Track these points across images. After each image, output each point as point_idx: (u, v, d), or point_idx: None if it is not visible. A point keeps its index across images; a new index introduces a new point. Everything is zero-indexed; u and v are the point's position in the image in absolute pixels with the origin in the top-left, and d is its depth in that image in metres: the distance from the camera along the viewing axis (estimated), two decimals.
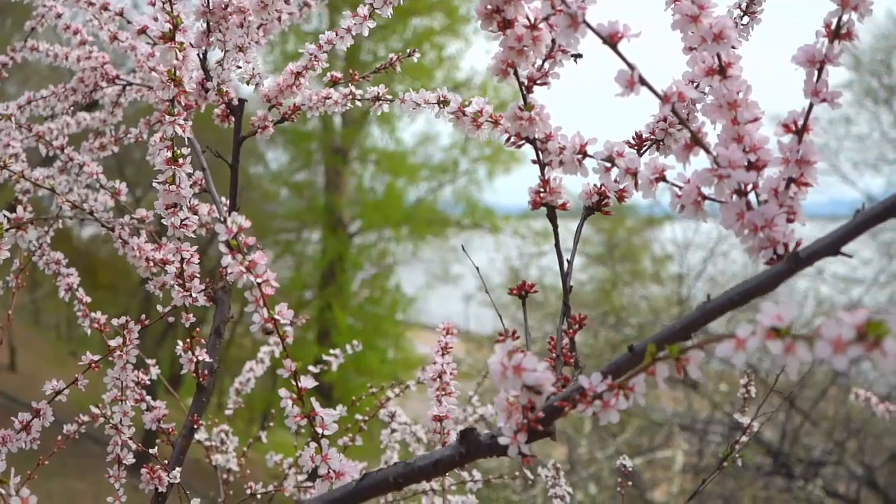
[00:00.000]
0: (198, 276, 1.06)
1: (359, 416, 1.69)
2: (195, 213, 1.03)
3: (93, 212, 1.35)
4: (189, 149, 1.03)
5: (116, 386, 1.10)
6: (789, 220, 0.64)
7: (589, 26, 0.65)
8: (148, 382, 1.16)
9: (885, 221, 0.58)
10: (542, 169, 0.83)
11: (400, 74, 1.32)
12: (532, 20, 0.73)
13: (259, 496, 1.53)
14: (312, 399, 0.79)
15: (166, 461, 1.14)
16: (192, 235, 1.04)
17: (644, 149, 0.87)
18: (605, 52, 0.66)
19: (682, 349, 0.54)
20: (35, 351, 10.93)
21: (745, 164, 0.66)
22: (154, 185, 1.00)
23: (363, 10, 1.19)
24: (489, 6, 0.72)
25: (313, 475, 0.79)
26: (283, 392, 0.77)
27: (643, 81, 0.64)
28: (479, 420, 1.90)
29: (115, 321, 1.10)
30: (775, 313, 0.47)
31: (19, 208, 1.14)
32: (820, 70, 0.65)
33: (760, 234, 0.65)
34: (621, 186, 0.81)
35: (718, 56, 0.68)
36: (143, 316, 1.13)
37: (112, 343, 1.08)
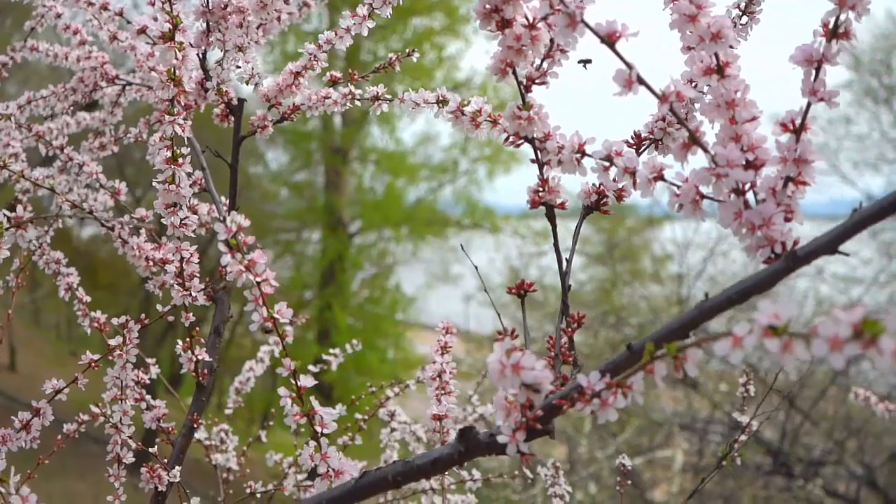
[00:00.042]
0: (197, 275, 1.07)
1: (358, 416, 1.69)
2: (195, 212, 1.03)
3: (92, 211, 1.35)
4: (188, 148, 1.04)
5: (116, 385, 1.10)
6: (787, 219, 0.65)
7: (587, 26, 0.65)
8: (148, 381, 1.16)
9: (882, 220, 0.58)
10: (540, 168, 0.83)
11: (400, 74, 1.32)
12: (530, 20, 0.73)
13: (259, 495, 1.53)
14: (312, 398, 0.79)
15: (166, 460, 1.14)
16: (192, 235, 1.04)
17: (643, 148, 0.87)
18: (604, 52, 0.66)
19: (680, 347, 0.55)
20: (35, 351, 10.93)
21: (743, 163, 0.66)
22: (154, 184, 1.00)
23: (362, 10, 1.19)
24: (487, 5, 0.72)
25: (313, 474, 0.79)
26: (282, 391, 0.77)
27: (641, 81, 0.64)
28: (478, 419, 1.90)
29: (114, 320, 1.10)
30: (772, 312, 0.48)
31: (19, 207, 1.14)
32: (817, 69, 0.65)
33: (758, 233, 0.65)
34: (620, 185, 0.81)
35: (716, 55, 0.68)
36: (143, 315, 1.13)
37: (112, 342, 1.08)
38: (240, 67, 1.22)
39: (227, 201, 1.28)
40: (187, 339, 1.13)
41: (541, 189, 0.84)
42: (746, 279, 0.61)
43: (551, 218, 0.85)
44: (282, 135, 10.30)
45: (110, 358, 1.09)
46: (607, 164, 0.78)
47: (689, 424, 6.75)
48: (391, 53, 1.29)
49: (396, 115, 10.02)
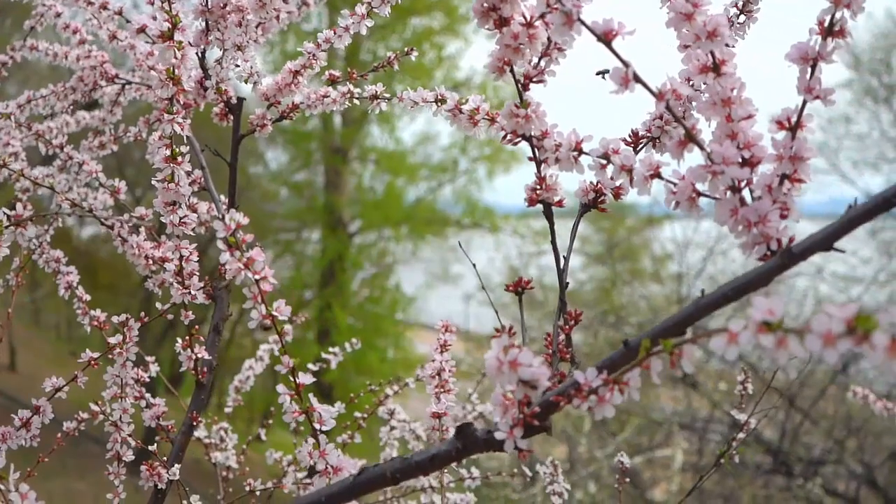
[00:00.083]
0: (197, 273, 1.07)
1: (358, 414, 1.69)
2: (194, 210, 1.03)
3: (92, 210, 1.36)
4: (188, 147, 1.04)
5: (116, 383, 1.11)
6: (783, 216, 0.65)
7: (584, 24, 0.65)
8: (147, 380, 1.16)
9: (876, 216, 0.58)
10: (538, 166, 0.83)
11: (400, 74, 1.33)
12: (528, 18, 0.73)
13: (258, 493, 1.53)
14: (310, 395, 0.79)
15: (165, 458, 1.14)
16: (191, 233, 1.04)
17: (640, 146, 0.88)
18: (602, 50, 0.66)
19: (676, 343, 0.55)
20: (35, 351, 10.94)
21: (739, 160, 0.66)
22: (153, 182, 1.01)
23: (361, 9, 1.20)
24: (485, 4, 0.72)
25: (312, 472, 0.79)
26: (281, 388, 0.78)
27: (638, 79, 0.65)
28: (478, 418, 1.90)
29: (114, 318, 1.10)
30: (767, 307, 0.48)
31: (19, 206, 1.14)
32: (813, 67, 0.66)
33: (754, 230, 0.65)
34: (617, 183, 0.82)
35: (712, 53, 0.68)
36: (143, 313, 1.14)
37: (112, 340, 1.08)
38: (239, 66, 1.22)
39: (227, 200, 1.28)
40: (187, 337, 1.13)
41: (538, 187, 0.84)
42: (742, 276, 0.61)
43: (549, 216, 0.85)
44: (282, 134, 10.31)
45: (110, 356, 1.09)
46: (604, 162, 0.78)
47: (689, 424, 6.76)
48: (390, 53, 1.29)
49: (396, 115, 10.03)
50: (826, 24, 0.65)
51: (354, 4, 1.20)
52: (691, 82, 0.72)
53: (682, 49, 0.71)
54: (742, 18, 0.90)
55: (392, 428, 1.76)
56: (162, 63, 1.00)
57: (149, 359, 1.21)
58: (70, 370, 1.11)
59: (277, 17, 1.21)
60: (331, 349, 1.90)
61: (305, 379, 0.78)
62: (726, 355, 0.50)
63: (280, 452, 1.79)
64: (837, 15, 0.64)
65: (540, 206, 0.86)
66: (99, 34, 1.40)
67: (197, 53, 1.17)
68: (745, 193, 0.67)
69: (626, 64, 0.65)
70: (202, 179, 1.19)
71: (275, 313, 0.74)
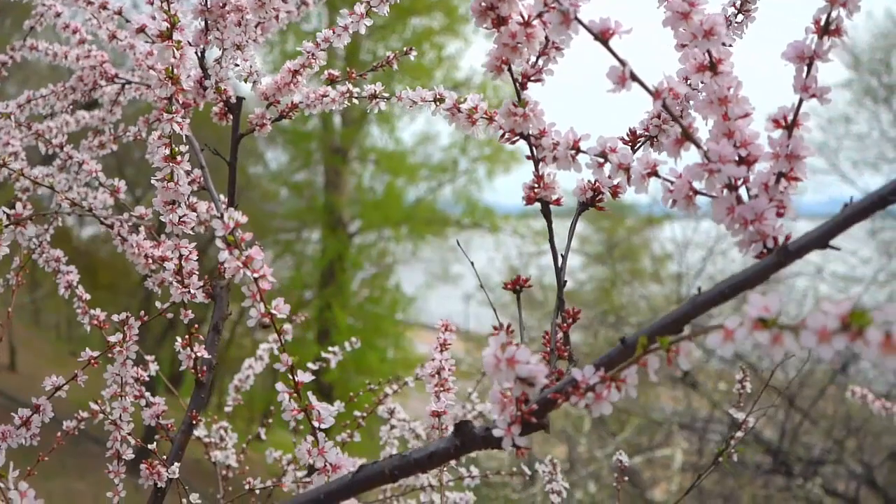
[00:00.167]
0: (196, 273, 1.07)
1: (357, 413, 1.70)
2: (193, 209, 1.04)
3: (92, 209, 1.36)
4: (187, 146, 1.04)
5: (116, 382, 1.11)
6: (779, 215, 0.65)
7: (581, 23, 0.65)
8: (147, 379, 1.17)
9: (872, 214, 0.58)
10: (536, 165, 0.84)
11: (399, 74, 1.33)
12: (525, 17, 0.73)
13: (258, 492, 1.53)
14: (309, 393, 0.80)
15: (165, 457, 1.15)
16: (191, 232, 1.04)
17: (638, 145, 0.88)
18: (600, 50, 0.67)
19: (673, 341, 0.55)
20: (35, 351, 10.94)
21: (736, 158, 0.67)
22: (152, 182, 1.01)
23: (360, 8, 1.20)
24: (483, 3, 0.73)
25: (312, 470, 0.80)
26: (280, 386, 0.78)
27: (634, 77, 0.65)
28: (477, 416, 1.90)
29: (114, 317, 1.10)
30: (763, 304, 0.48)
31: (18, 205, 1.15)
32: (809, 66, 0.66)
33: (750, 228, 0.65)
34: (615, 182, 0.82)
35: (709, 52, 0.68)
36: (143, 313, 1.14)
37: (112, 339, 1.08)
38: (238, 66, 1.22)
39: (226, 199, 1.28)
40: (186, 337, 1.14)
41: (536, 185, 0.84)
42: (738, 274, 0.61)
43: (547, 214, 0.85)
44: (281, 134, 10.32)
45: (110, 355, 1.10)
46: (602, 160, 0.79)
47: (689, 423, 6.76)
48: (390, 52, 1.29)
49: (396, 115, 10.04)
50: (822, 22, 0.65)
51: (353, 4, 1.21)
52: (688, 81, 0.73)
53: (679, 48, 0.72)
54: (740, 18, 0.90)
55: (392, 427, 1.77)
56: (161, 63, 1.00)
57: (148, 358, 1.21)
58: (70, 370, 1.11)
59: (276, 17, 1.21)
60: (330, 348, 1.90)
61: (304, 377, 0.78)
62: (723, 352, 0.51)
63: (280, 451, 1.79)
64: (833, 14, 0.65)
65: (538, 206, 0.86)
66: (98, 34, 1.41)
67: (196, 53, 1.18)
68: (742, 191, 0.67)
69: (623, 63, 0.65)
70: (201, 179, 1.20)
71: (273, 311, 0.74)
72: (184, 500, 1.18)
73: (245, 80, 1.25)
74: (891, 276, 8.25)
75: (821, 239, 0.59)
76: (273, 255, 10.60)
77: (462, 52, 10.75)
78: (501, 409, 0.64)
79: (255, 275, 0.72)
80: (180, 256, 1.05)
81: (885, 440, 6.34)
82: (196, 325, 1.14)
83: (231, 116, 1.25)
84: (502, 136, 0.84)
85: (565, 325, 0.82)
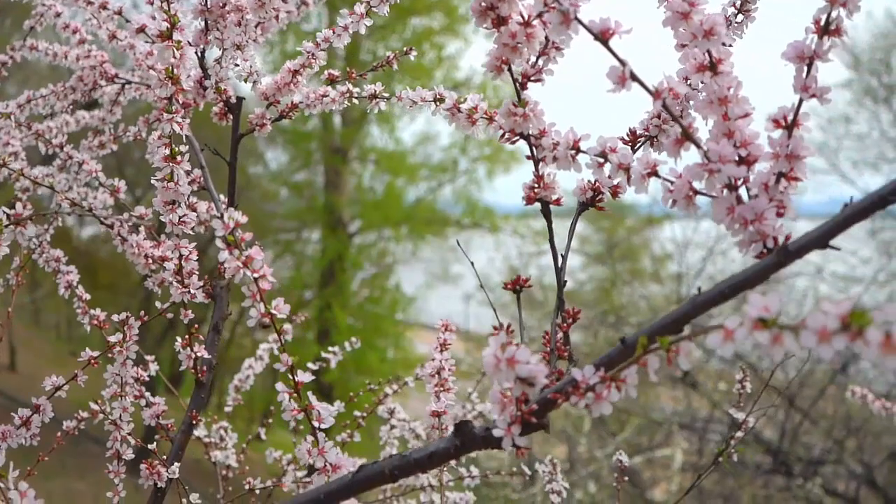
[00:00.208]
0: (196, 273, 1.07)
1: (357, 413, 1.70)
2: (193, 209, 1.04)
3: (92, 209, 1.36)
4: (187, 146, 1.04)
5: (116, 382, 1.11)
6: (779, 215, 0.65)
7: (581, 23, 0.65)
8: (147, 379, 1.17)
9: (872, 214, 0.58)
10: (536, 165, 0.84)
11: (400, 74, 1.33)
12: (525, 17, 0.73)
13: (258, 492, 1.54)
14: (309, 393, 0.80)
15: (165, 457, 1.15)
16: (191, 232, 1.04)
17: (638, 145, 0.88)
18: (600, 50, 0.67)
19: (673, 341, 0.55)
20: (35, 351, 10.94)
21: (736, 158, 0.67)
22: (153, 182, 1.01)
23: (360, 8, 1.20)
24: (483, 3, 0.73)
25: (311, 470, 0.80)
26: (280, 386, 0.78)
27: (634, 77, 0.65)
28: (477, 417, 1.90)
29: (114, 317, 1.10)
30: (763, 304, 0.48)
31: (18, 205, 1.15)
32: (809, 66, 0.66)
33: (750, 228, 0.65)
34: (615, 182, 0.82)
35: (709, 52, 0.68)
36: (143, 313, 1.14)
37: (112, 338, 1.08)
38: (238, 66, 1.22)
39: (226, 199, 1.28)
40: (186, 337, 1.14)
41: (536, 185, 0.84)
42: (738, 274, 0.61)
43: (547, 214, 0.85)
44: (281, 134, 10.32)
45: (110, 355, 1.10)
46: (602, 160, 0.79)
47: (689, 423, 6.76)
48: (389, 52, 1.29)
49: (396, 115, 10.04)
50: (822, 22, 0.65)
51: (353, 4, 1.21)
52: (688, 81, 0.73)
53: (679, 48, 0.72)
54: (740, 18, 0.90)
55: (392, 427, 1.77)
56: (161, 63, 1.00)
57: (148, 358, 1.21)
58: (70, 370, 1.11)
59: (276, 17, 1.21)
60: (330, 348, 1.90)
61: (304, 377, 0.78)
62: (722, 352, 0.51)
63: (280, 451, 1.79)
64: (833, 14, 0.65)
65: (538, 206, 0.86)
66: (98, 34, 1.41)
67: (196, 53, 1.18)
68: (742, 191, 0.67)
69: (623, 63, 0.65)
70: (201, 179, 1.20)
71: (273, 311, 0.74)
72: (184, 500, 1.18)
73: (245, 80, 1.25)
74: (891, 276, 8.25)
75: (821, 239, 0.59)
76: (273, 255, 10.60)
77: (462, 52, 10.76)
78: (501, 409, 0.64)
79: (255, 275, 0.72)
80: (180, 256, 1.05)
81: (885, 440, 6.34)
82: (196, 325, 1.14)
83: (231, 116, 1.25)
84: (502, 136, 0.84)
85: (565, 325, 0.82)
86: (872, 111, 8.92)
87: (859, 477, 5.87)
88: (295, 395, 0.78)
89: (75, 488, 6.40)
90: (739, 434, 1.35)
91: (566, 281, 0.84)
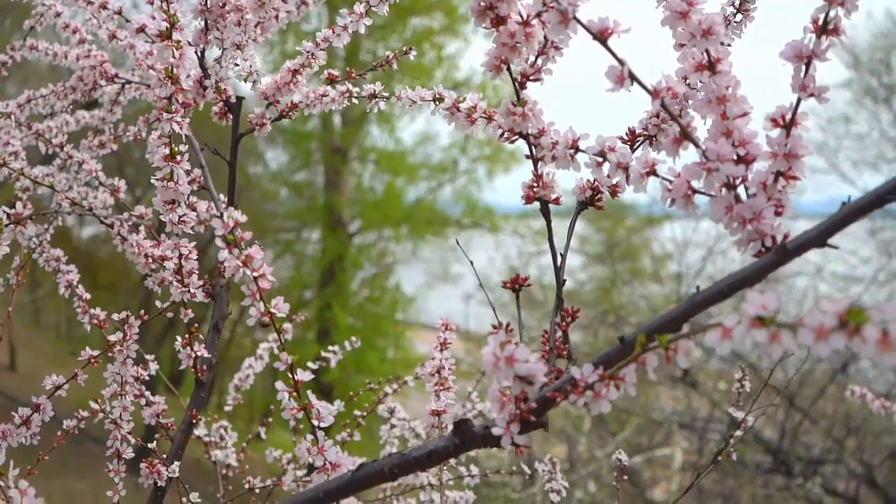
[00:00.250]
0: (196, 272, 1.07)
1: (357, 412, 1.70)
2: (193, 209, 1.04)
3: (92, 209, 1.36)
4: (187, 146, 1.04)
5: (116, 381, 1.11)
6: (777, 214, 0.65)
7: (580, 22, 0.65)
8: (147, 378, 1.17)
9: (870, 213, 0.58)
10: (535, 164, 0.84)
11: (399, 74, 1.34)
12: (524, 17, 0.73)
13: (258, 491, 1.54)
14: (309, 392, 0.80)
15: (165, 456, 1.15)
16: (191, 232, 1.04)
17: (637, 144, 0.88)
18: (599, 49, 0.67)
19: (671, 339, 0.55)
20: (35, 351, 10.94)
21: (734, 157, 0.67)
22: (152, 181, 1.01)
23: (360, 8, 1.20)
24: (482, 3, 0.73)
25: (311, 469, 0.80)
26: (279, 385, 0.78)
27: (633, 77, 0.65)
28: (477, 416, 1.91)
29: (115, 316, 1.11)
30: (760, 302, 0.48)
31: (18, 204, 1.15)
32: (808, 65, 0.66)
33: (749, 227, 0.65)
34: (614, 181, 0.82)
35: (707, 52, 0.69)
36: (143, 312, 1.14)
37: (112, 338, 1.08)
38: (238, 65, 1.22)
39: (226, 199, 1.28)
40: (186, 336, 1.14)
41: (535, 185, 0.84)
42: (737, 272, 0.61)
43: (546, 213, 0.86)
44: (281, 134, 10.32)
45: (110, 354, 1.10)
46: (601, 159, 0.79)
47: (689, 423, 6.77)
48: (389, 52, 1.29)
49: (396, 115, 10.04)
50: (820, 22, 0.65)
51: (353, 4, 1.21)
52: (687, 80, 0.73)
53: (677, 47, 0.72)
54: (739, 17, 0.90)
55: (392, 426, 1.77)
56: (161, 62, 1.00)
57: (148, 357, 1.21)
58: (70, 370, 1.11)
59: (276, 17, 1.22)
60: (330, 348, 1.90)
61: (304, 376, 0.79)
62: (721, 350, 0.51)
63: (280, 451, 1.79)
64: (831, 13, 0.65)
65: (538, 205, 0.87)
66: (98, 34, 1.41)
67: (196, 53, 1.18)
68: (741, 191, 0.67)
69: (621, 62, 0.65)
70: (201, 178, 1.20)
71: (273, 310, 0.74)
72: (184, 500, 1.18)
73: (245, 80, 1.25)
74: (891, 276, 8.25)
75: (819, 237, 0.59)
76: (273, 255, 10.61)
77: (462, 52, 10.76)
78: (500, 407, 0.64)
79: (255, 274, 0.72)
80: (180, 256, 1.05)
81: (885, 440, 6.35)
82: (196, 325, 1.14)
83: (231, 116, 1.25)
84: (501, 135, 0.84)
85: (564, 324, 0.82)
86: (872, 111, 8.92)
87: (859, 476, 5.88)
88: (295, 393, 0.79)
89: (75, 487, 6.41)
90: (739, 433, 1.36)
91: (565, 280, 0.84)
